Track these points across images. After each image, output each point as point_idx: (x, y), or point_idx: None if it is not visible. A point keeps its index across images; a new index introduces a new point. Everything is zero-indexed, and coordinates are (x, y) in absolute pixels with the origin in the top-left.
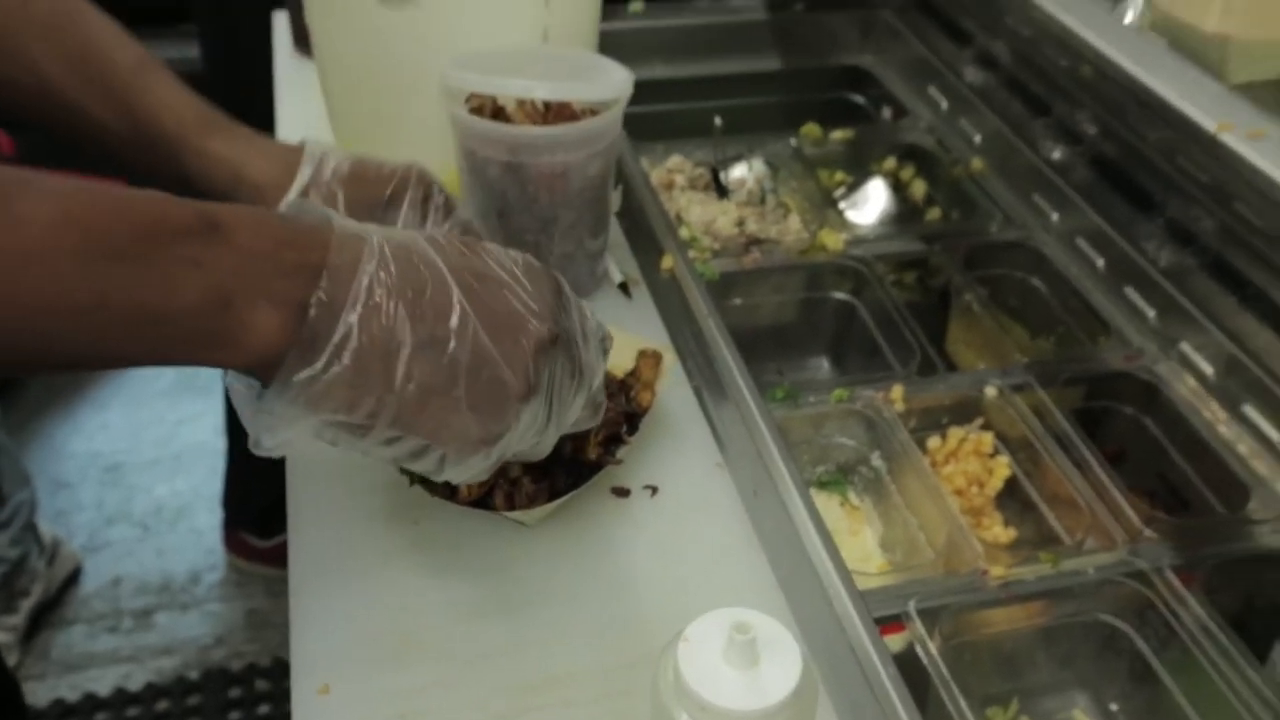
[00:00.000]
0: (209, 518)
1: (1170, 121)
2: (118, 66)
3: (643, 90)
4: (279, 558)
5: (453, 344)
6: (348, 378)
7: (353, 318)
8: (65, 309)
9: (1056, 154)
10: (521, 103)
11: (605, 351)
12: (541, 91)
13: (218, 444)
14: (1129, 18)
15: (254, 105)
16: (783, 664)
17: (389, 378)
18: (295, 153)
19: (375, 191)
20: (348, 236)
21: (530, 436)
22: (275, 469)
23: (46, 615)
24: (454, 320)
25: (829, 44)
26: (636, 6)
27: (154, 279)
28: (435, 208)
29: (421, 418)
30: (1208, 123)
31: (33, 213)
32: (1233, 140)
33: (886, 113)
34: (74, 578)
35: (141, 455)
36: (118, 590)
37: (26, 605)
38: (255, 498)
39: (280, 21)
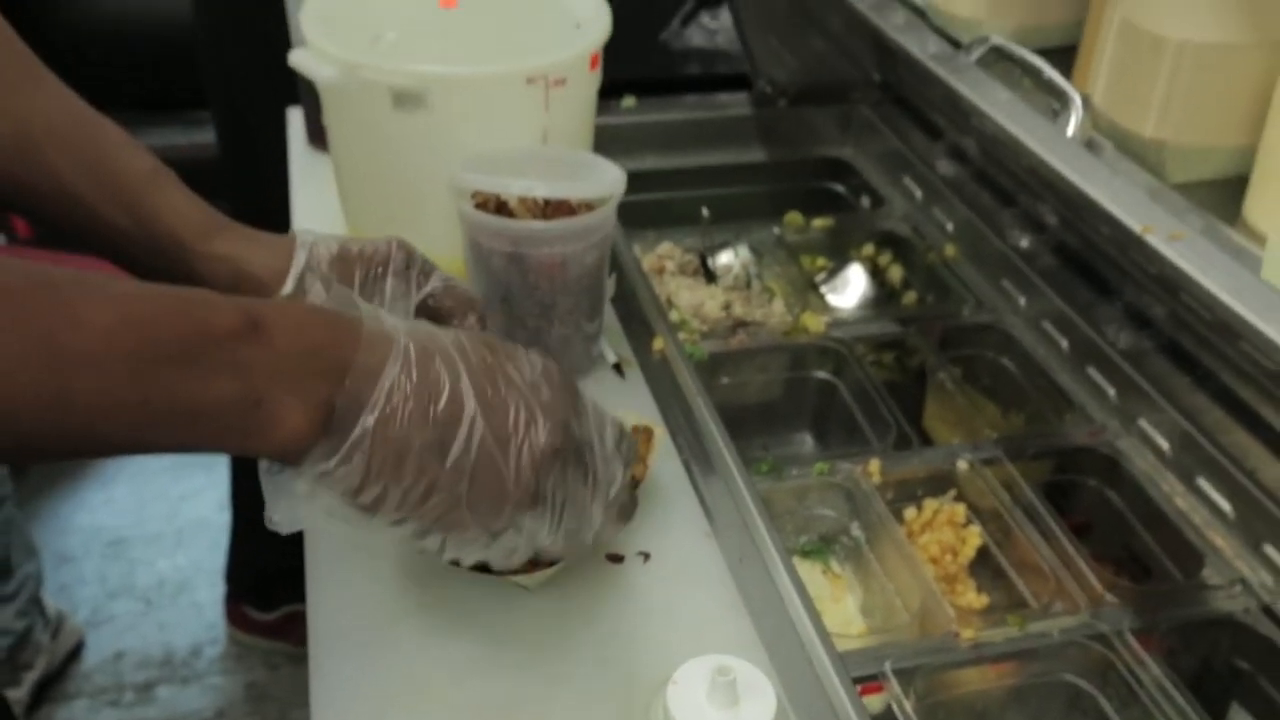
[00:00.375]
0: (210, 592)
1: (1105, 222)
2: (132, 175)
3: (635, 180)
4: (278, 630)
5: (459, 449)
6: (360, 470)
7: (370, 420)
8: (111, 407)
9: (1023, 242)
10: (523, 199)
11: (627, 462)
12: (541, 190)
13: (220, 519)
14: (1070, 129)
15: (268, 192)
16: (759, 704)
17: (398, 473)
18: (289, 243)
19: (362, 268)
20: (377, 337)
21: (546, 538)
22: (277, 542)
23: (50, 689)
24: (464, 427)
25: (810, 137)
26: (629, 102)
27: (196, 379)
28: (417, 273)
29: (424, 509)
30: (1134, 224)
31: (93, 317)
32: (1155, 240)
33: (865, 202)
34: (77, 651)
35: (145, 530)
36: (120, 664)
37: (30, 678)
38: (257, 570)
39: (295, 116)
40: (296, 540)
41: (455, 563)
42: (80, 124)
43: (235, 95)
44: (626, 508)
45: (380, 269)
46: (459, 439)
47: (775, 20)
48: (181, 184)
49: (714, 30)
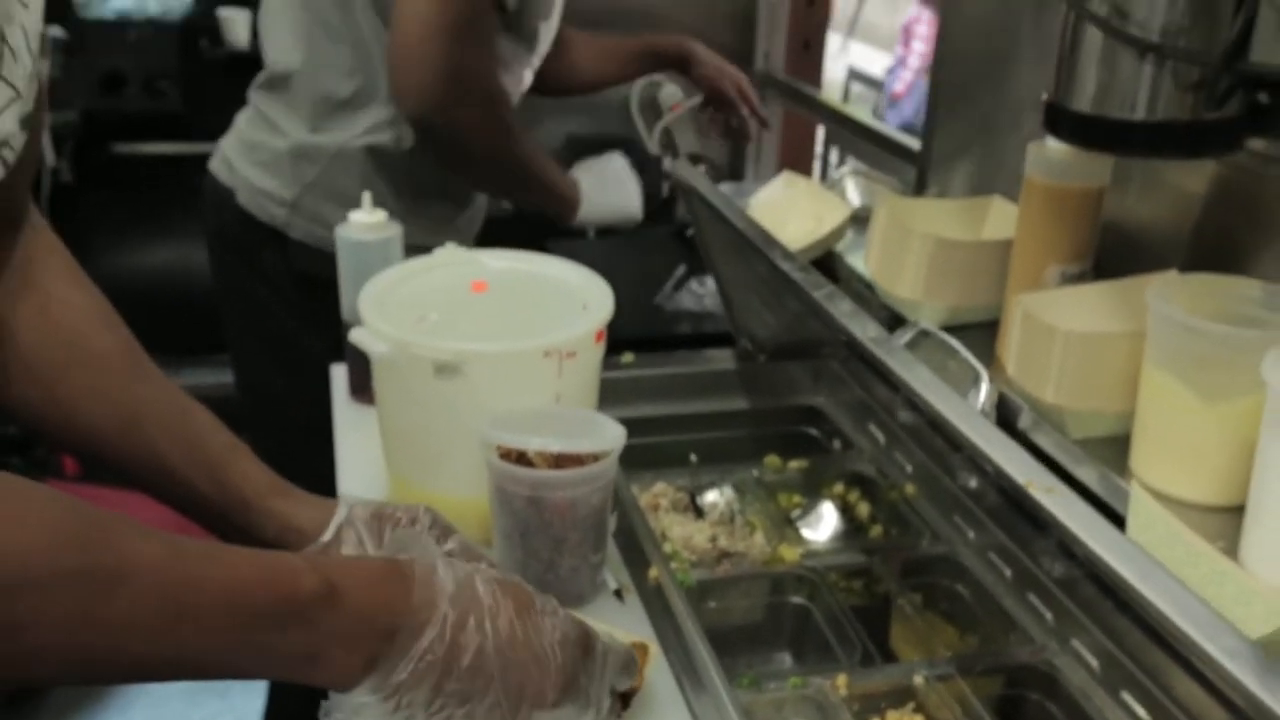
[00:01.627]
0: None
1: (1000, 477)
2: (216, 449)
3: (633, 427)
4: None
5: (477, 701)
6: (392, 705)
7: (404, 674)
8: (205, 652)
9: (970, 483)
10: (540, 452)
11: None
12: (555, 445)
13: None
14: (980, 402)
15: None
16: None
17: (427, 710)
18: (332, 504)
19: (392, 525)
20: (425, 603)
21: None
22: None
23: None
24: (483, 681)
25: (787, 388)
26: (628, 359)
27: (276, 633)
28: (439, 533)
29: None
30: (1020, 478)
31: (209, 578)
32: (1035, 493)
33: (836, 445)
34: None
35: None
36: None
37: None
38: None
39: (339, 372)
40: None
41: None
42: (177, 409)
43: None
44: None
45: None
46: (477, 693)
47: (753, 288)
48: (251, 454)
49: (701, 294)
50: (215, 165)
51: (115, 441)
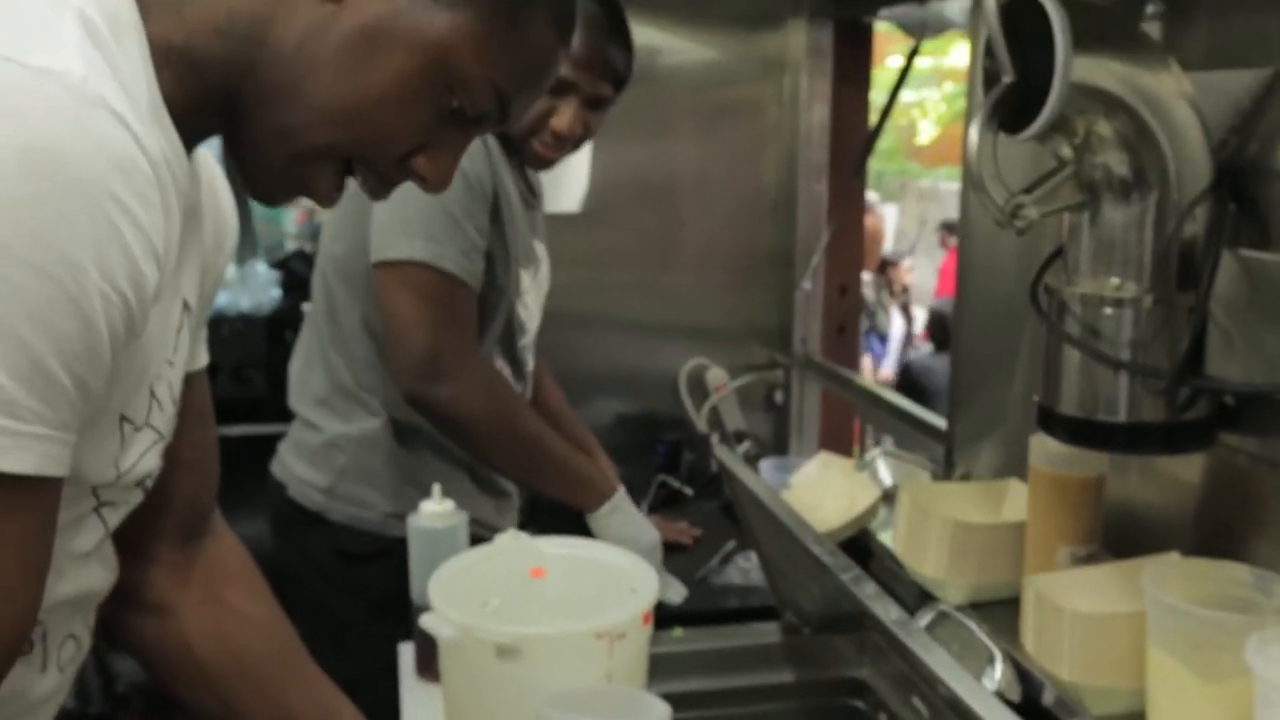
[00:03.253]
0: None
1: None
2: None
3: (682, 702)
4: None
5: None
6: None
7: None
8: None
9: None
10: None
11: None
12: None
13: None
14: (995, 682)
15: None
16: None
17: None
18: None
19: None
20: None
21: None
22: None
23: None
24: None
25: (832, 661)
26: (678, 633)
27: None
28: None
29: None
30: None
31: None
32: None
33: (882, 718)
34: None
35: None
36: None
37: None
38: None
39: (406, 650)
40: None
41: None
42: (327, 709)
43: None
44: None
45: None
46: None
47: (793, 564)
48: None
49: (747, 569)
50: (273, 465)
51: None
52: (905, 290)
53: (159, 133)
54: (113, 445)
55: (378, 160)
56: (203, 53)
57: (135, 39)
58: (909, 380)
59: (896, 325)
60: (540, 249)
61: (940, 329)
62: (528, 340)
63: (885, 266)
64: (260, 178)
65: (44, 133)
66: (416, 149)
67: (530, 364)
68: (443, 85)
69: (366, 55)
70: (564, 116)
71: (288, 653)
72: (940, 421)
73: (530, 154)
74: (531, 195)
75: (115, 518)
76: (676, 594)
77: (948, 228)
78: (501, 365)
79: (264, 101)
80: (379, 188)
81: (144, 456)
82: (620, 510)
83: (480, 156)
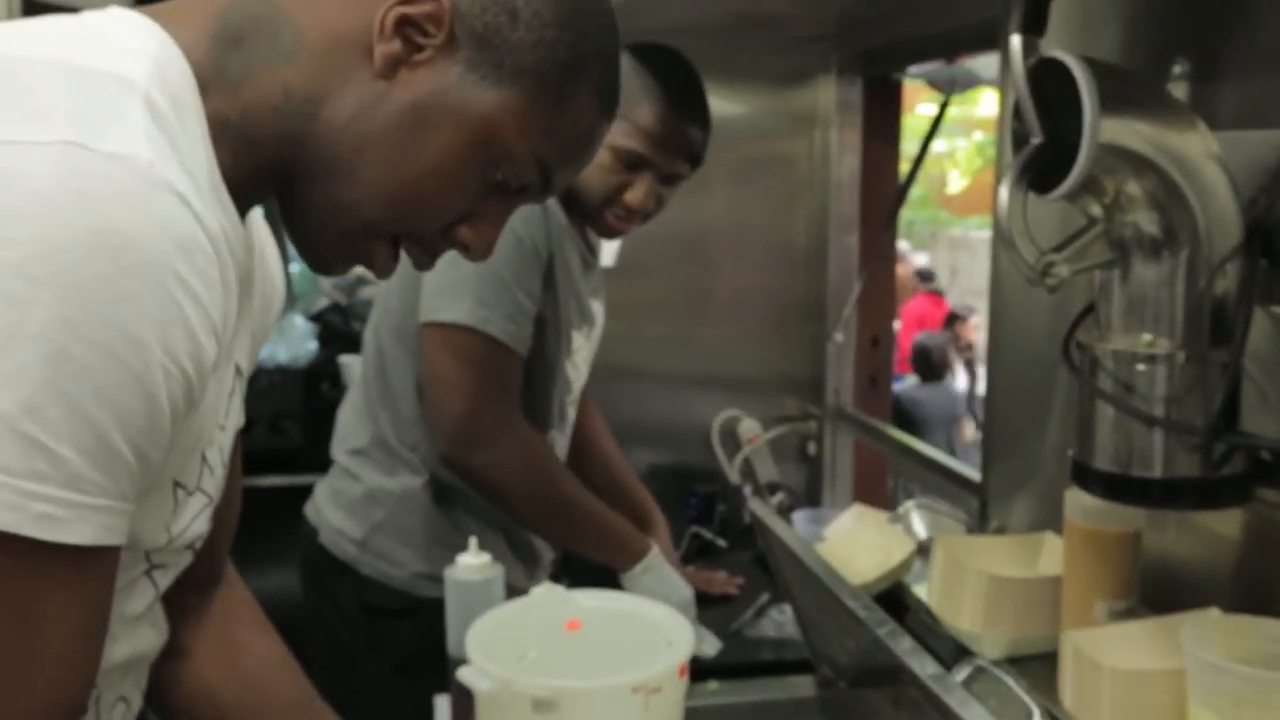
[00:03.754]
0: None
1: None
2: None
3: None
4: None
5: None
6: None
7: None
8: None
9: None
10: None
11: None
12: None
13: None
14: None
15: None
16: None
17: None
18: None
19: None
20: None
21: None
22: None
23: None
24: None
25: (868, 715)
26: (713, 686)
27: None
28: None
29: None
30: None
31: None
32: None
33: None
34: None
35: None
36: None
37: None
38: None
39: (442, 703)
40: None
41: None
42: None
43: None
44: None
45: None
46: None
47: (828, 617)
48: None
49: (782, 621)
50: (307, 508)
51: None
52: (970, 347)
53: (218, 209)
54: (165, 510)
55: (424, 232)
56: (258, 128)
57: (196, 119)
58: (899, 412)
59: (961, 381)
60: (597, 308)
61: (923, 361)
62: (573, 396)
63: (954, 322)
64: (315, 249)
65: (112, 216)
66: (461, 219)
67: (572, 416)
68: (488, 159)
69: (416, 131)
70: (638, 191)
71: (303, 696)
72: (974, 473)
73: (602, 224)
74: (591, 255)
75: (165, 580)
76: (711, 646)
77: (920, 275)
78: (550, 421)
79: (317, 175)
80: (424, 258)
81: (195, 520)
82: (652, 570)
83: (537, 219)
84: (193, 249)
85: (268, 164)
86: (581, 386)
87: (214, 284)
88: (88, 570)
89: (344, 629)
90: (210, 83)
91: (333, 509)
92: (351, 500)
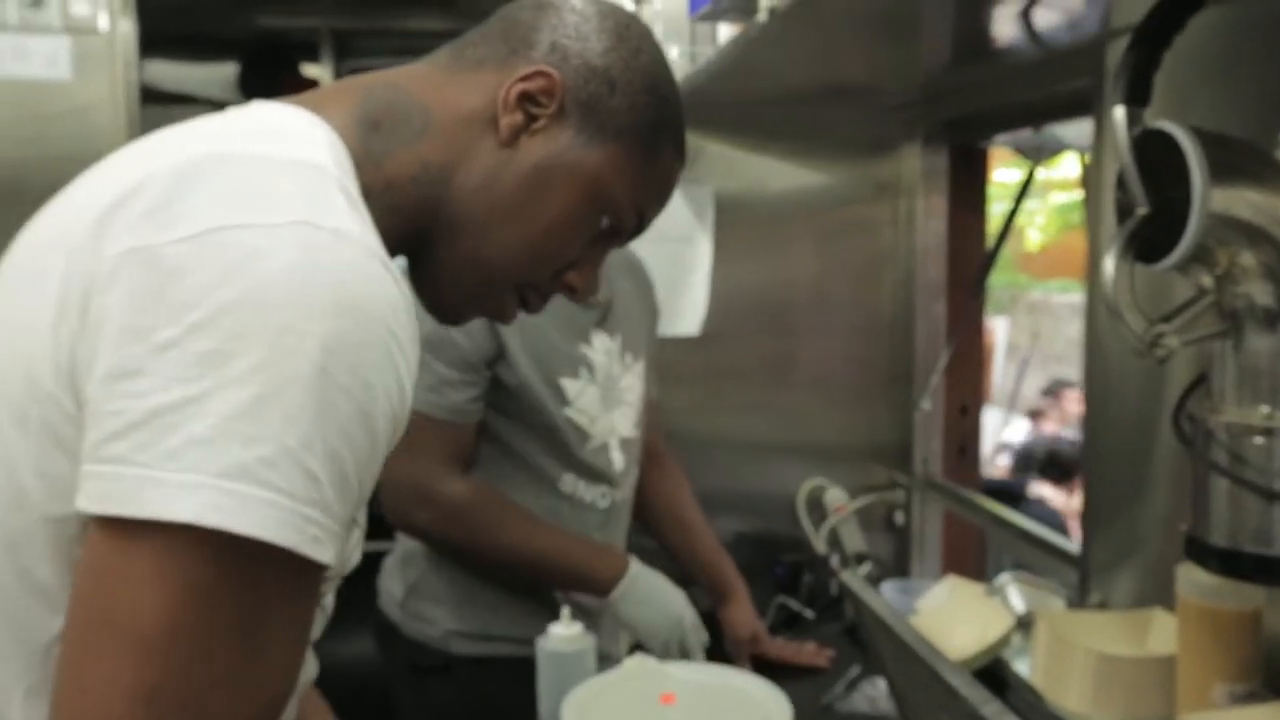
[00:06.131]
0: None
1: None
2: None
3: None
4: None
5: None
6: None
7: None
8: None
9: None
10: None
11: None
12: None
13: None
14: None
15: None
16: None
17: None
18: None
19: None
20: None
21: None
22: None
23: None
24: None
25: None
26: None
27: None
28: None
29: None
30: None
31: None
32: None
33: None
34: None
35: None
36: None
37: None
38: None
39: None
40: None
41: None
42: None
43: None
44: None
45: None
46: None
47: (924, 692)
48: None
49: (874, 696)
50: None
51: None
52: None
53: None
54: (348, 540)
55: (542, 280)
56: (399, 198)
57: (359, 195)
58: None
59: None
60: (597, 350)
61: (1053, 465)
62: (596, 444)
63: (1056, 392)
64: (447, 300)
65: (346, 282)
66: (570, 265)
67: (616, 464)
68: (598, 209)
69: (539, 190)
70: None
71: None
72: (1071, 546)
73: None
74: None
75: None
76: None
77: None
78: (565, 474)
79: (452, 235)
80: (538, 303)
81: (355, 550)
82: (627, 597)
83: None
84: (400, 309)
85: (406, 229)
86: (620, 433)
87: (413, 340)
88: (313, 588)
89: (398, 689)
90: (360, 162)
91: (386, 571)
92: (393, 561)
